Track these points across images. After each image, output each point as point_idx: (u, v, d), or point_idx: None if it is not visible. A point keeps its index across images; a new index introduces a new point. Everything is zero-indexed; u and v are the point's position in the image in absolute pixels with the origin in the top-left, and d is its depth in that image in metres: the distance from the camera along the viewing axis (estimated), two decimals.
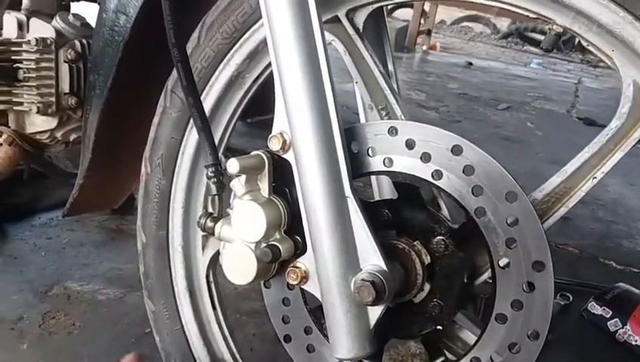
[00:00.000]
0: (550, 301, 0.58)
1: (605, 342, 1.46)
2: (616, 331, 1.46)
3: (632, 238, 2.15)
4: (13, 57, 0.97)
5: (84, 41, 0.97)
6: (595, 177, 0.62)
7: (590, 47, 0.62)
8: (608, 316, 1.49)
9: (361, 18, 0.73)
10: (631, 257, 1.97)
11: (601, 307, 1.52)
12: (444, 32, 9.07)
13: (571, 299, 1.62)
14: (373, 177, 0.94)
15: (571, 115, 4.33)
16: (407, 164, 0.63)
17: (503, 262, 0.60)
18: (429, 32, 7.11)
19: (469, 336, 0.70)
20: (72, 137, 1.01)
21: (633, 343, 1.43)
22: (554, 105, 4.56)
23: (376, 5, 0.72)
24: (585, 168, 0.62)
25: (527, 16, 0.65)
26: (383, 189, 0.82)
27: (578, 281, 1.73)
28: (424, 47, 7.03)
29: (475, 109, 4.07)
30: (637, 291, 1.57)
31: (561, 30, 0.62)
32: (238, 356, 0.91)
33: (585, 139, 0.64)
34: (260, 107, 0.79)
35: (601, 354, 1.43)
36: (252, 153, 0.65)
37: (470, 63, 6.27)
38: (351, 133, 0.65)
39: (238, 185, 0.64)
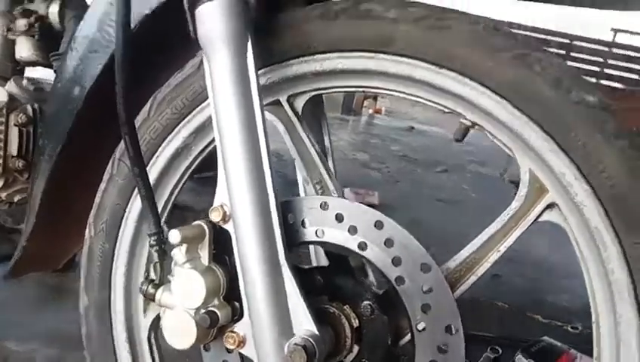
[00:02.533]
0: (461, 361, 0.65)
1: None
2: None
3: (556, 294, 2.31)
4: None
5: (35, 105, 1.00)
6: (499, 250, 0.71)
7: (495, 140, 0.73)
8: None
9: (300, 103, 0.81)
10: (555, 311, 2.11)
11: (527, 359, 1.62)
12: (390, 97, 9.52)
13: (500, 351, 1.71)
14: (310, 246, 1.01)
15: (503, 177, 4.62)
16: (337, 235, 0.70)
17: (420, 326, 0.67)
18: (375, 97, 7.48)
19: None
20: (17, 198, 1.02)
21: None
22: (488, 169, 4.86)
23: (314, 93, 0.80)
24: (491, 242, 0.71)
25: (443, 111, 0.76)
26: (320, 257, 0.88)
27: (506, 336, 1.84)
28: (370, 111, 7.38)
29: (414, 171, 4.29)
30: (559, 344, 1.69)
31: (470, 124, 0.73)
32: None
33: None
34: (207, 164, 0.84)
35: None
36: (193, 223, 0.70)
37: (412, 128, 6.62)
38: (287, 206, 0.72)
39: (179, 253, 0.69)
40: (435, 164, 4.63)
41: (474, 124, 0.73)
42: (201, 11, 0.69)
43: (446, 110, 0.75)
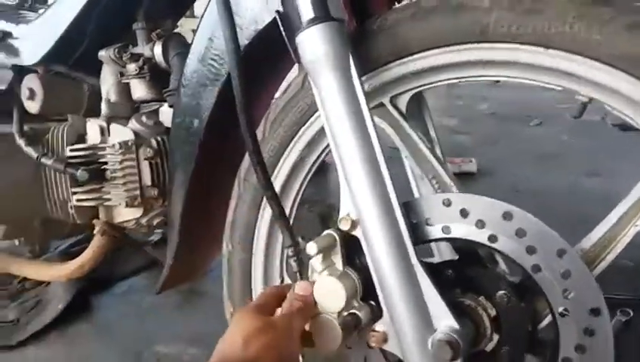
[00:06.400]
0: (610, 343, 0.65)
1: None
2: None
3: None
4: (100, 160, 1.12)
5: (159, 138, 1.11)
6: (636, 225, 0.69)
7: (614, 111, 0.70)
8: None
9: (403, 102, 0.83)
10: None
11: None
12: None
13: (632, 314, 1.63)
14: None
15: (606, 121, 4.28)
16: (464, 230, 0.71)
17: (562, 310, 0.67)
18: None
19: None
20: (155, 222, 1.14)
21: None
22: (587, 114, 4.48)
23: (414, 91, 0.82)
24: (626, 218, 0.69)
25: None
26: (442, 251, 0.90)
27: (638, 295, 1.74)
28: None
29: (507, 129, 4.10)
30: None
31: (587, 100, 0.71)
32: None
33: (622, 146, 0.70)
34: None
35: None
36: (324, 233, 0.75)
37: (497, 81, 6.29)
38: (409, 207, 0.74)
39: (316, 263, 0.74)
40: (528, 118, 4.39)
41: (591, 99, 0.71)
42: (302, 38, 0.72)
43: (558, 88, 0.73)
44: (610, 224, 0.70)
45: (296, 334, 0.66)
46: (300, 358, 0.80)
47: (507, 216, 0.68)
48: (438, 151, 0.89)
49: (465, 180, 2.78)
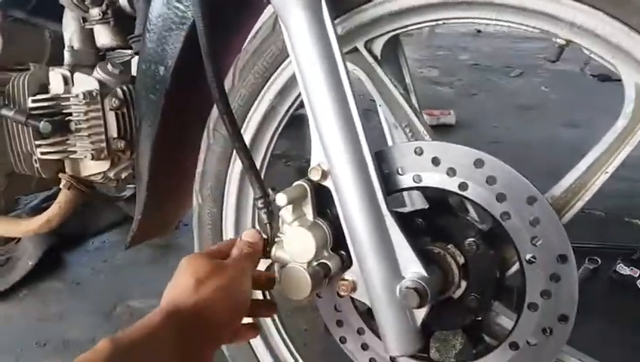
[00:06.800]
0: (575, 289, 0.66)
1: (635, 300, 1.52)
2: None
3: None
4: (63, 111, 1.07)
5: (124, 88, 1.06)
6: (606, 172, 0.69)
7: (592, 55, 0.69)
8: (637, 275, 1.55)
9: (378, 47, 0.80)
10: None
11: (629, 267, 1.58)
12: None
13: (600, 262, 1.68)
14: None
15: (585, 72, 4.29)
16: (435, 179, 0.70)
17: (530, 257, 0.68)
18: None
19: (508, 322, 0.78)
20: (123, 175, 1.11)
21: None
22: (566, 65, 4.51)
23: (391, 34, 0.79)
24: (596, 165, 0.69)
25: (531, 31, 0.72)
26: (415, 200, 0.90)
27: (605, 244, 1.78)
28: None
29: (488, 80, 4.08)
30: None
31: (565, 42, 0.69)
32: (296, 353, 1.01)
33: (600, 97, 0.69)
34: None
35: (632, 313, 1.49)
36: (295, 184, 0.73)
37: (479, 31, 6.22)
38: (381, 156, 0.73)
39: (286, 213, 0.73)
40: (509, 68, 4.37)
41: (568, 42, 0.69)
42: None
43: (535, 31, 0.71)
44: (580, 171, 0.70)
45: (246, 278, 0.67)
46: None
47: (478, 163, 0.67)
48: (413, 100, 0.87)
49: (443, 132, 2.78)
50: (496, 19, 0.71)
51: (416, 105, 0.85)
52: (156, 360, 0.54)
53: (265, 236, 0.76)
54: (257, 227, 0.95)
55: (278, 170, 1.94)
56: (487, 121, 3.05)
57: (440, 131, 2.72)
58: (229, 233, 0.95)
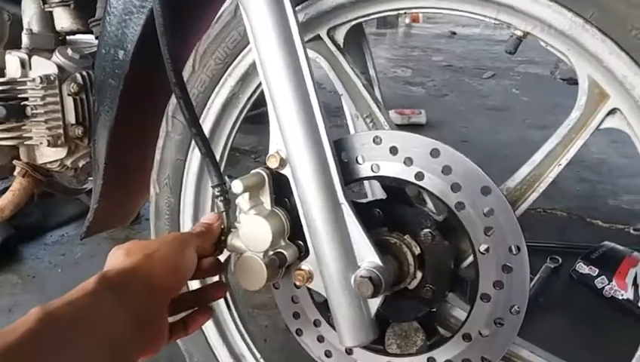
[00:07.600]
0: (526, 280, 0.67)
1: (594, 299, 1.56)
2: (603, 288, 1.56)
3: (617, 196, 2.24)
4: (19, 95, 1.03)
5: (84, 73, 1.03)
6: (560, 164, 0.70)
7: (548, 47, 0.69)
8: (595, 274, 1.59)
9: (341, 35, 0.79)
10: (616, 215, 2.06)
11: (588, 266, 1.61)
12: None
13: (560, 261, 1.71)
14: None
15: (555, 76, 4.39)
16: (393, 168, 0.70)
17: (482, 247, 0.68)
18: None
19: (461, 314, 0.78)
20: (81, 163, 1.08)
21: (619, 297, 1.53)
22: (537, 68, 4.61)
23: (354, 22, 0.78)
24: (551, 156, 0.70)
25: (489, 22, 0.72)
26: (375, 190, 0.89)
27: (567, 243, 1.83)
28: (407, 21, 7.04)
29: (460, 81, 4.13)
30: (621, 248, 1.66)
31: (522, 34, 0.69)
32: (255, 349, 0.99)
33: (569, 100, 0.69)
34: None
35: (590, 311, 1.53)
36: (252, 172, 0.72)
37: (454, 33, 6.30)
38: (340, 145, 0.72)
39: (243, 201, 0.72)
40: (481, 70, 4.43)
41: (526, 34, 0.70)
42: None
43: (494, 21, 0.71)
44: (535, 164, 0.71)
45: (188, 249, 0.66)
46: None
47: (435, 153, 0.67)
48: (376, 92, 0.87)
49: (413, 131, 2.79)
50: (455, 9, 0.72)
51: (379, 97, 0.84)
52: (94, 319, 0.52)
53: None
54: None
55: (248, 165, 1.93)
56: (457, 122, 3.09)
57: (410, 130, 2.73)
58: (186, 224, 0.93)
